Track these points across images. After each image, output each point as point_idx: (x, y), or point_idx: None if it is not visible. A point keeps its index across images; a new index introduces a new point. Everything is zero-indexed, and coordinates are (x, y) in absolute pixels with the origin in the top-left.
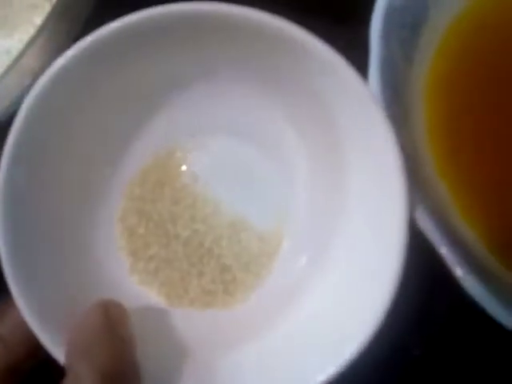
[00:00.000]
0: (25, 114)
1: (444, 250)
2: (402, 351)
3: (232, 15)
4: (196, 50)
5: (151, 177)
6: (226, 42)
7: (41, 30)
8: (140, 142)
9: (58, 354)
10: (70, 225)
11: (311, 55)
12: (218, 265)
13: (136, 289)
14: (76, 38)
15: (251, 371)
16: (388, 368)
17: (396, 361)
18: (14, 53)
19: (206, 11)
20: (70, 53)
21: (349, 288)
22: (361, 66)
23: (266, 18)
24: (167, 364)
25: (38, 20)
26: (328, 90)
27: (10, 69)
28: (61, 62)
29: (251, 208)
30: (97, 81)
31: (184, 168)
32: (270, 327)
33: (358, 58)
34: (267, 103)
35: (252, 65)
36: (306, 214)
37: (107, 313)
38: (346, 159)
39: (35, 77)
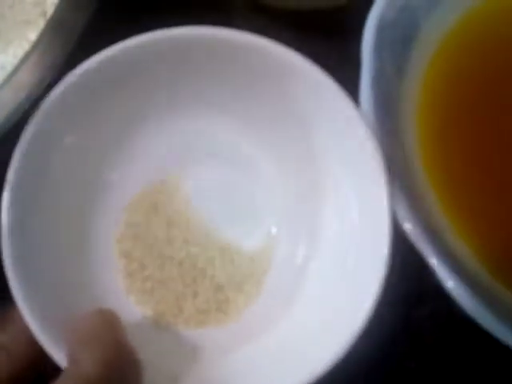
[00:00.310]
0: (28, 138)
1: (434, 261)
2: (387, 358)
3: (218, 38)
4: (184, 75)
5: (145, 203)
6: (211, 65)
7: (35, 46)
8: (134, 169)
9: (62, 360)
10: (69, 244)
11: (297, 74)
12: (212, 285)
13: (132, 307)
14: (71, 54)
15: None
16: (372, 374)
17: (380, 368)
18: (9, 68)
19: (197, 35)
20: (62, 85)
21: (334, 295)
22: (351, 82)
23: (252, 39)
24: (159, 376)
25: (33, 35)
26: (313, 109)
27: (4, 84)
28: (64, 84)
29: (241, 229)
30: (95, 105)
31: (176, 194)
32: (256, 339)
33: (347, 74)
34: (252, 128)
35: (237, 88)
36: (291, 231)
37: (104, 318)
38: (330, 177)
39: (30, 92)
